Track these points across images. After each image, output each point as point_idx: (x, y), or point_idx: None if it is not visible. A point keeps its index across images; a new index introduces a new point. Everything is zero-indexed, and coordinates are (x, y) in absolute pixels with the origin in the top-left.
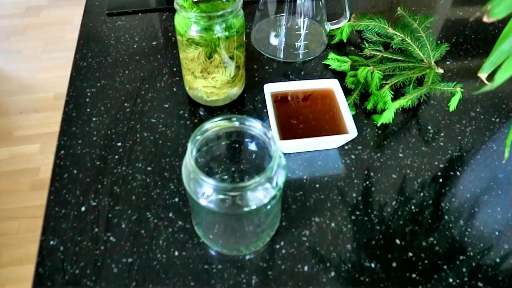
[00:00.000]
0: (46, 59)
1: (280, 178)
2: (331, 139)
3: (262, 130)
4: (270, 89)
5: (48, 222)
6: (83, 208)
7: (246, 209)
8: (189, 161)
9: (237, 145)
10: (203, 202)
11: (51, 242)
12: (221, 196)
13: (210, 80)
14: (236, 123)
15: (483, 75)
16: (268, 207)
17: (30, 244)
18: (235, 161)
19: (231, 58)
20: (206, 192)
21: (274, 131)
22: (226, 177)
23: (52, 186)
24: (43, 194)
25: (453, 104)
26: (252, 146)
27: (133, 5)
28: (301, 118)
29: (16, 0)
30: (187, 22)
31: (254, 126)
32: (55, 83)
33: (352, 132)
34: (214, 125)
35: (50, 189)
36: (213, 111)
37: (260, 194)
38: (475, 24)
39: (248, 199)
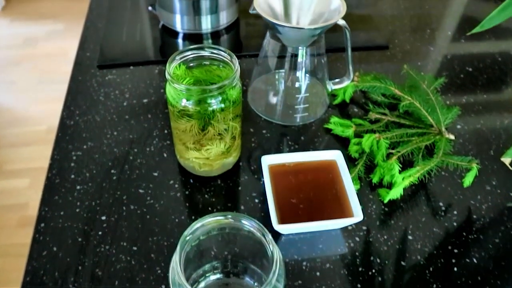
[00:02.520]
0: (40, 91)
1: (279, 280)
2: (333, 223)
3: (260, 231)
4: (268, 161)
5: None
6: None
7: None
8: (177, 273)
9: (230, 237)
10: None
11: None
12: None
13: (203, 152)
14: (231, 221)
15: (506, 160)
16: None
17: (14, 285)
18: (228, 250)
19: (226, 129)
20: None
21: (272, 213)
22: (218, 265)
23: (29, 265)
24: (30, 231)
25: (468, 180)
26: (247, 239)
27: (124, 57)
28: (301, 196)
29: (15, 31)
30: (179, 94)
31: (252, 225)
32: (48, 116)
33: (357, 215)
34: (208, 222)
35: (26, 268)
36: (205, 181)
37: None
38: (486, 82)
39: None
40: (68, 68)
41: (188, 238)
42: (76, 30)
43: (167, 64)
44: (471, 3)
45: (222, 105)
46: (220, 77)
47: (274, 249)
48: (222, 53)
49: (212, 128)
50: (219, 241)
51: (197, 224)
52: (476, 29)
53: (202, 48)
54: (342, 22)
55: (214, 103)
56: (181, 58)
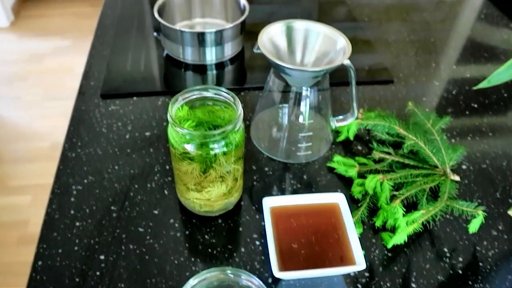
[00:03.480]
0: (45, 107)
1: None
2: (335, 271)
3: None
4: (269, 203)
5: None
6: None
7: None
8: None
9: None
10: None
11: None
12: None
13: (204, 194)
14: (231, 276)
15: None
16: None
17: None
18: None
19: (228, 172)
20: None
21: (272, 259)
22: None
23: None
24: (30, 249)
25: (473, 227)
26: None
27: (128, 87)
28: (302, 241)
29: (22, 47)
30: (181, 137)
31: (252, 281)
32: (52, 132)
33: (360, 263)
34: (206, 277)
35: None
36: (206, 221)
37: None
38: (492, 120)
39: None
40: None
41: None
42: (82, 47)
43: (170, 106)
44: (476, 35)
45: (225, 149)
46: (223, 119)
47: None
48: (225, 94)
49: (214, 171)
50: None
51: (195, 280)
52: (483, 84)
53: (205, 89)
54: (347, 63)
55: (217, 148)
56: (184, 99)
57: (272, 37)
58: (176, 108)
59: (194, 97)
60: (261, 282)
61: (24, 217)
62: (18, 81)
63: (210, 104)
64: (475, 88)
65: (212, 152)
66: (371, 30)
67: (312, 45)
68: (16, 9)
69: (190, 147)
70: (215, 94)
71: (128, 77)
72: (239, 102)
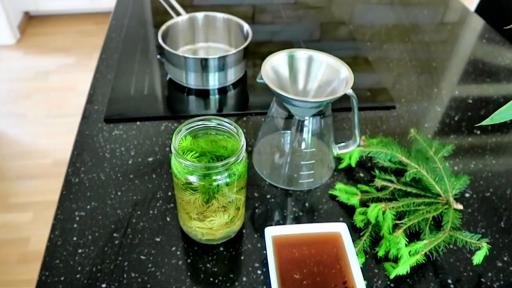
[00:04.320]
0: (49, 124)
1: None
2: None
3: None
4: (271, 232)
5: None
6: None
7: None
8: None
9: None
10: None
11: None
12: None
13: (207, 223)
14: None
15: None
16: None
17: None
18: None
19: (231, 202)
20: None
21: None
22: None
23: None
24: (31, 268)
25: (477, 259)
26: None
27: (132, 112)
28: (304, 272)
29: (27, 64)
30: (184, 168)
31: None
32: (55, 149)
33: None
34: None
35: None
36: (208, 249)
37: None
38: (495, 147)
39: None
40: (77, 101)
41: None
42: (87, 64)
43: (173, 136)
44: (477, 57)
45: (227, 180)
46: (226, 149)
47: None
48: (228, 125)
49: (216, 201)
50: None
51: None
52: (486, 122)
53: (208, 120)
54: (349, 92)
55: (219, 179)
56: (187, 130)
57: (274, 66)
58: (179, 138)
59: (197, 127)
60: None
61: (25, 235)
62: (22, 98)
63: (213, 134)
64: (477, 125)
65: (215, 183)
66: (372, 51)
67: (314, 74)
68: (22, 27)
69: (193, 178)
70: (218, 124)
71: (132, 101)
72: (242, 133)
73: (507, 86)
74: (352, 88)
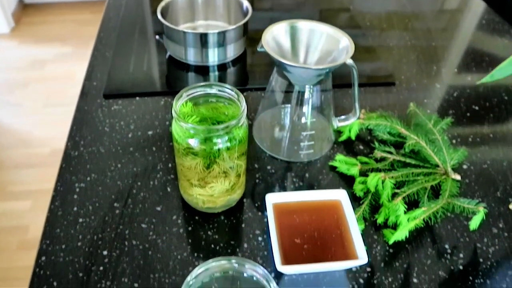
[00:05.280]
0: (46, 113)
1: None
2: (338, 265)
3: (265, 277)
4: (272, 199)
5: None
6: None
7: None
8: None
9: (234, 280)
10: None
11: None
12: None
13: (208, 189)
14: (235, 265)
15: None
16: None
17: None
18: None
19: (232, 168)
20: None
21: (275, 254)
22: None
23: None
24: (30, 255)
25: (474, 224)
26: (251, 284)
27: (131, 88)
28: (305, 236)
29: (23, 53)
30: (185, 132)
31: (256, 271)
32: (53, 138)
33: (362, 258)
34: (212, 266)
35: None
36: (209, 218)
37: None
38: (493, 121)
39: None
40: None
41: (191, 283)
42: (84, 54)
43: (174, 101)
44: (476, 39)
45: (228, 144)
46: (227, 115)
47: None
48: (229, 91)
49: (217, 166)
50: (222, 283)
51: (200, 269)
52: (486, 79)
53: (209, 86)
54: (350, 62)
55: (220, 142)
56: (188, 96)
57: (275, 36)
58: (180, 104)
59: (198, 93)
60: (265, 271)
61: (24, 223)
62: (19, 87)
63: (214, 101)
64: (478, 82)
65: (215, 147)
66: (373, 36)
67: (315, 44)
68: (17, 15)
69: (194, 142)
70: (219, 90)
71: (131, 78)
72: (243, 98)
73: None
74: (353, 62)
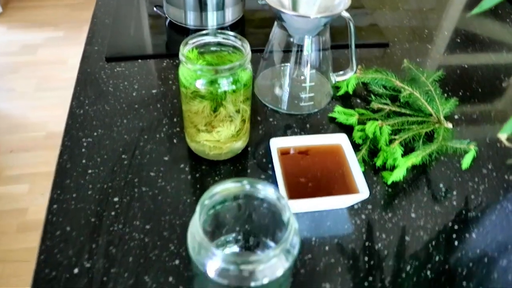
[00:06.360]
0: (39, 98)
1: (294, 248)
2: (342, 199)
3: (275, 195)
4: (277, 144)
5: (38, 285)
6: (76, 270)
7: (258, 283)
8: (197, 231)
9: (245, 207)
10: (211, 274)
11: None
12: (231, 268)
13: (214, 134)
14: (247, 187)
15: (503, 135)
16: (282, 279)
17: None
18: (243, 222)
19: (237, 111)
20: (214, 263)
21: (281, 190)
22: (231, 238)
23: (43, 244)
24: (30, 236)
25: (466, 162)
26: (262, 209)
27: (132, 51)
28: (309, 176)
29: (12, 38)
30: (193, 75)
31: (266, 191)
32: (47, 122)
33: (363, 192)
34: (224, 189)
35: (40, 248)
36: (215, 165)
37: (274, 265)
38: (482, 79)
39: (261, 271)
40: (67, 75)
41: (206, 202)
42: (76, 38)
43: (181, 47)
44: (471, 5)
45: (234, 87)
46: (231, 61)
47: (289, 214)
48: (233, 38)
49: (224, 109)
50: (234, 212)
51: (215, 189)
52: (476, 10)
53: (214, 34)
54: (346, 15)
55: (226, 84)
56: (193, 43)
57: None
58: (187, 50)
59: (202, 42)
60: (276, 188)
61: (22, 206)
62: (9, 72)
63: (218, 50)
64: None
65: (221, 90)
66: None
67: (313, 0)
68: (4, 0)
69: (200, 84)
70: (223, 39)
71: (132, 42)
72: (248, 44)
73: (493, 23)
74: (350, 16)
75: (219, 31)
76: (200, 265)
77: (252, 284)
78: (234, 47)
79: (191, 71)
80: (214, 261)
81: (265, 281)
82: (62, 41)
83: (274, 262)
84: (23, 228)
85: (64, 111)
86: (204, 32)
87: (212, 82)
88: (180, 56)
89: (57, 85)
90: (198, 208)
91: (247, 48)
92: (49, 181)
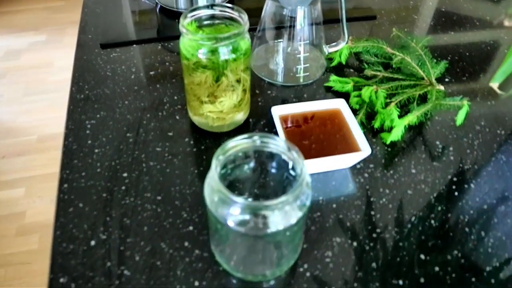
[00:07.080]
0: (28, 102)
1: (307, 199)
2: (345, 158)
3: (286, 147)
4: (278, 111)
5: (56, 259)
6: (92, 243)
7: (274, 229)
8: (214, 180)
9: (257, 165)
10: (230, 223)
11: (61, 280)
12: (248, 217)
13: (217, 105)
14: (258, 142)
15: (494, 84)
16: (295, 228)
17: None
18: (255, 181)
19: (238, 81)
20: (232, 213)
21: None
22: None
23: (57, 221)
24: (29, 239)
25: (460, 118)
26: (273, 166)
27: (127, 37)
28: (312, 138)
29: None
30: (194, 45)
31: (277, 144)
32: (38, 126)
33: (365, 149)
34: (236, 144)
35: (55, 224)
36: (219, 137)
37: (288, 214)
38: (468, 44)
39: (276, 219)
40: (56, 77)
41: (220, 158)
42: (59, 41)
43: (181, 19)
44: None
45: (234, 55)
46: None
47: (302, 164)
48: (230, 10)
49: (226, 78)
50: (245, 175)
51: (228, 144)
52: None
53: (211, 7)
54: None
55: (226, 53)
56: (192, 16)
57: None
58: (186, 22)
59: (200, 15)
60: (286, 142)
61: (20, 209)
62: None
63: (217, 23)
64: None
65: (222, 58)
66: None
67: None
68: None
69: (202, 54)
70: (221, 11)
71: (126, 28)
72: (245, 14)
73: None
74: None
75: (217, 3)
76: (219, 215)
77: (268, 231)
78: (231, 19)
79: (192, 42)
80: (233, 209)
81: (280, 227)
82: (45, 44)
83: (287, 210)
84: (22, 231)
85: (55, 114)
86: (202, 5)
87: (213, 52)
88: (181, 28)
89: (45, 88)
90: (213, 162)
91: (244, 18)
92: (45, 184)
